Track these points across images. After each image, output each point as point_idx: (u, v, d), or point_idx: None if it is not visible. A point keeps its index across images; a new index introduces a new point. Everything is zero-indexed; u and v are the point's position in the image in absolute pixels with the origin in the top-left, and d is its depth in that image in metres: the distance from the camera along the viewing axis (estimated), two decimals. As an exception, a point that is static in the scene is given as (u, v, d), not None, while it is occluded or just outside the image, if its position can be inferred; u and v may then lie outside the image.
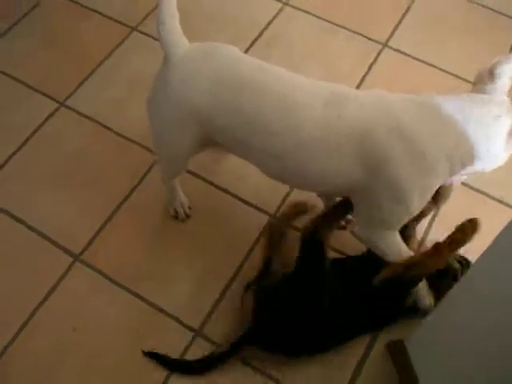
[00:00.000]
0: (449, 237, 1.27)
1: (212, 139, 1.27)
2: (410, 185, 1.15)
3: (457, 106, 1.14)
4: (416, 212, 1.22)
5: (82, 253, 1.52)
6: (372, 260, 1.35)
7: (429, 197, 1.20)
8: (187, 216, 1.58)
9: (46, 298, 1.45)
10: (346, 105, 1.16)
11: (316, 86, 1.21)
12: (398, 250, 1.29)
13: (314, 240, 1.32)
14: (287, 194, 1.62)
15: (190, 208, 1.59)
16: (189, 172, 1.64)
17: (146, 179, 1.65)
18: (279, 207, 1.60)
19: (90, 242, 1.54)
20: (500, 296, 0.98)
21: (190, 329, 1.42)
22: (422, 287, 1.35)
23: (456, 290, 1.12)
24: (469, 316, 1.08)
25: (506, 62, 1.13)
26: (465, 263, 1.40)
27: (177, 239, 1.56)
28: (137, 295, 1.46)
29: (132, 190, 1.63)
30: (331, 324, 1.33)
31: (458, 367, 1.17)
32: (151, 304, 1.45)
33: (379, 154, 1.14)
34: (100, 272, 1.49)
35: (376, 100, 1.18)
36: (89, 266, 1.51)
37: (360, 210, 1.27)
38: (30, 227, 1.56)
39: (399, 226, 1.27)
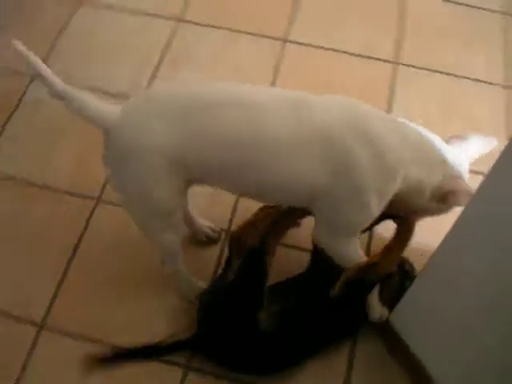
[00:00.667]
0: (395, 236, 1.34)
1: (190, 179, 1.22)
2: (372, 189, 1.18)
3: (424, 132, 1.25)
4: (375, 216, 1.24)
5: (44, 320, 1.45)
6: (317, 273, 1.39)
7: (387, 201, 1.22)
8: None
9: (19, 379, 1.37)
10: (311, 110, 1.17)
11: (277, 93, 1.22)
12: (356, 256, 1.31)
13: (259, 250, 1.33)
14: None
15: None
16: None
17: (89, 228, 1.59)
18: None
19: (50, 307, 1.47)
20: (482, 253, 1.04)
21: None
22: (373, 299, 1.37)
23: (439, 255, 1.16)
24: (452, 274, 1.14)
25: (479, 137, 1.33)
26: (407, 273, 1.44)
27: (137, 280, 1.52)
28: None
29: (78, 241, 1.56)
30: (272, 345, 1.33)
31: (445, 327, 1.23)
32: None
33: (345, 159, 1.15)
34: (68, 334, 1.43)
35: (341, 105, 1.20)
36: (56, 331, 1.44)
37: (321, 217, 1.26)
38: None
39: (359, 232, 1.29)
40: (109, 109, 1.17)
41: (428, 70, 1.96)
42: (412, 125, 1.25)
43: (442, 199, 1.24)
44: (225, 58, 1.95)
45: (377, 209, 1.21)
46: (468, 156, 1.31)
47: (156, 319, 1.46)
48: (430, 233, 1.30)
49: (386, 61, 1.98)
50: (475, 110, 1.87)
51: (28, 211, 1.62)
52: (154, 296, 1.49)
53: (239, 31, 2.01)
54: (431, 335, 1.30)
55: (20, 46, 1.11)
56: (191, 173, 1.19)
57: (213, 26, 2.02)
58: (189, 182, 1.24)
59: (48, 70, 1.12)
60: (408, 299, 1.31)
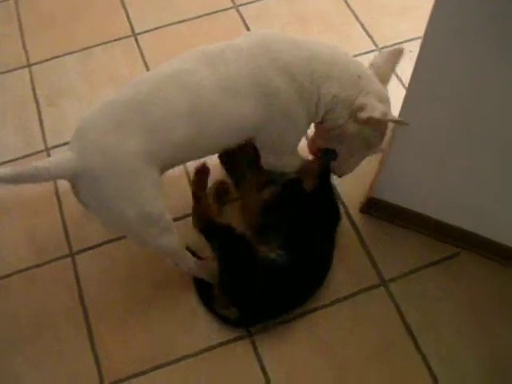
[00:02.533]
0: None
1: (162, 168, 1.27)
2: (298, 108, 1.32)
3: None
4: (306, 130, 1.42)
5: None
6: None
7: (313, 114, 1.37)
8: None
9: None
10: (224, 56, 1.27)
11: (185, 56, 1.30)
12: (302, 160, 1.50)
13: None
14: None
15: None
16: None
17: (82, 280, 1.57)
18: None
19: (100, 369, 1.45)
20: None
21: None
22: None
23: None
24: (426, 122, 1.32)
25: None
26: None
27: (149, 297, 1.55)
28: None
29: (81, 299, 1.54)
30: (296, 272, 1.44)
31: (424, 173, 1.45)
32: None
33: (270, 92, 1.27)
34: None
35: (249, 47, 1.30)
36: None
37: (265, 147, 1.40)
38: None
39: (297, 147, 1.45)
40: (61, 157, 1.18)
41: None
42: (326, 45, 1.36)
43: (354, 116, 1.33)
44: (93, 75, 1.96)
45: (305, 125, 1.38)
46: (384, 75, 1.41)
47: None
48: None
49: (226, 9, 2.12)
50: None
51: (9, 305, 1.55)
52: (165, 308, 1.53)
53: (89, 47, 2.02)
54: (416, 186, 1.51)
55: None
56: (162, 161, 1.25)
57: (62, 55, 2.00)
58: (161, 173, 1.29)
59: None
60: (386, 170, 1.51)
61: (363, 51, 1.98)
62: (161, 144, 1.22)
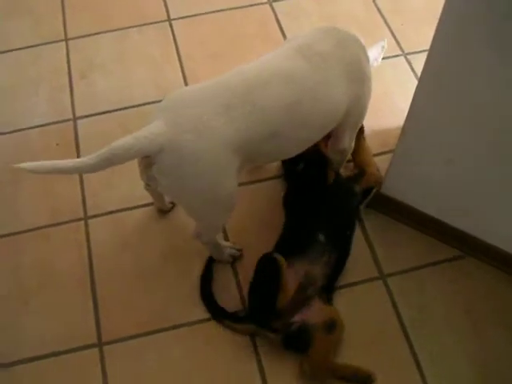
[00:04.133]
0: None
1: (245, 163, 1.29)
2: (370, 73, 1.46)
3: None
4: None
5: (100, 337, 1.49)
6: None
7: None
8: (240, 250, 1.58)
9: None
10: (315, 49, 1.34)
11: (279, 53, 1.35)
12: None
13: None
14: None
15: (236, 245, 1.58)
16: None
17: (92, 243, 1.63)
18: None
19: (99, 326, 1.51)
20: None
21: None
22: None
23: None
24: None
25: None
26: None
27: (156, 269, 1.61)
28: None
29: (90, 261, 1.61)
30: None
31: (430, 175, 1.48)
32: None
33: (356, 67, 1.40)
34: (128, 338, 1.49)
35: (327, 34, 1.40)
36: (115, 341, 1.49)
37: (346, 127, 1.48)
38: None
39: None
40: (150, 131, 1.17)
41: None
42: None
43: None
44: (126, 54, 2.04)
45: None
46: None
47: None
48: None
49: (261, 3, 2.18)
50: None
51: (21, 261, 1.62)
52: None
53: (125, 27, 2.10)
54: (422, 185, 1.53)
55: (31, 167, 1.13)
56: (250, 154, 1.27)
57: (99, 33, 2.09)
58: (242, 166, 1.29)
59: (68, 162, 1.14)
60: (394, 167, 1.54)
61: (389, 55, 2.02)
62: (260, 135, 1.24)
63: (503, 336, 1.47)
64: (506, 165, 1.31)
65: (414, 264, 1.58)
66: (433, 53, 1.20)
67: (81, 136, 1.83)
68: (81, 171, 1.17)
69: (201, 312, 1.51)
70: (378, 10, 2.14)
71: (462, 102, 1.25)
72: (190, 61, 2.02)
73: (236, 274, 1.57)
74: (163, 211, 1.66)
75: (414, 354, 1.45)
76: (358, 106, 1.44)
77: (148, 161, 1.21)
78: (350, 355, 1.44)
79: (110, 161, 1.13)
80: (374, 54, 1.62)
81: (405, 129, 1.42)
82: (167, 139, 1.16)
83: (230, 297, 1.53)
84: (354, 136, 1.56)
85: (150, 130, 1.17)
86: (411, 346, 1.46)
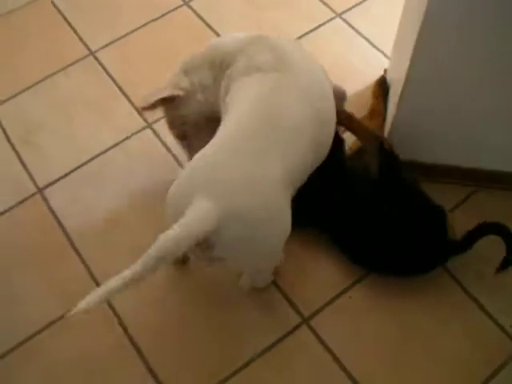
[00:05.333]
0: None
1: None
2: None
3: None
4: None
5: None
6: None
7: None
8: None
9: None
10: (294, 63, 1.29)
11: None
12: None
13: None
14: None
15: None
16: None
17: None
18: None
19: None
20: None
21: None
22: None
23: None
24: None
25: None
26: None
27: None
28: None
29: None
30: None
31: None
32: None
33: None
34: None
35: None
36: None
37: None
38: None
39: None
40: (195, 213, 1.04)
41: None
42: None
43: None
44: (63, 104, 1.86)
45: None
46: None
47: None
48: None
49: (178, 7, 2.06)
50: None
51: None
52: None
53: (48, 75, 1.91)
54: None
55: (83, 305, 1.01)
56: (296, 182, 1.22)
57: (23, 91, 1.88)
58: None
59: (117, 280, 1.02)
60: (395, 129, 1.52)
61: (325, 21, 2.00)
62: (300, 155, 1.19)
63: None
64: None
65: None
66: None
67: (55, 205, 1.66)
68: (135, 282, 1.02)
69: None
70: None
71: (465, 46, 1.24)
72: (132, 86, 1.88)
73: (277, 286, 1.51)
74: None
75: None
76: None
77: (204, 245, 1.08)
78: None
79: (164, 259, 1.01)
80: None
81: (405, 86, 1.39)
82: (220, 212, 1.04)
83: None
84: None
85: (196, 213, 1.04)
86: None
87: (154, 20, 2.03)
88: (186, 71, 1.41)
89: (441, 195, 1.53)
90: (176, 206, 1.09)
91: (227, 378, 1.40)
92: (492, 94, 1.35)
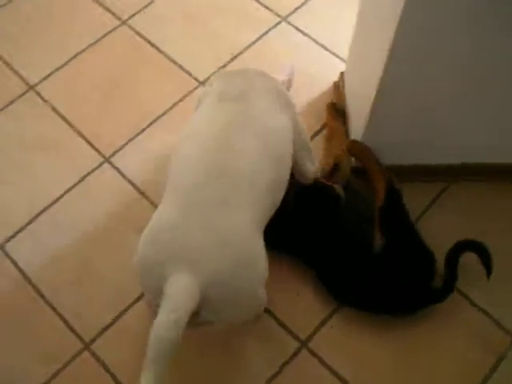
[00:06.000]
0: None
1: None
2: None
3: None
4: None
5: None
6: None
7: None
8: None
9: None
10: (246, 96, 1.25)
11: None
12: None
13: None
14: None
15: None
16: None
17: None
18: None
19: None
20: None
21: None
22: None
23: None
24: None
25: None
26: None
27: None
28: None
29: None
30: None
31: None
32: None
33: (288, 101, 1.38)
34: None
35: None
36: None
37: (302, 152, 1.39)
38: None
39: None
40: (176, 291, 1.01)
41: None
42: None
43: None
44: (7, 147, 1.73)
45: None
46: None
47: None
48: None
49: (116, 27, 1.95)
50: None
51: None
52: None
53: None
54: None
55: None
56: (265, 219, 1.20)
57: None
58: None
59: None
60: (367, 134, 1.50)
61: (272, 26, 1.95)
62: (262, 195, 1.14)
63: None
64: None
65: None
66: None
67: (19, 259, 1.55)
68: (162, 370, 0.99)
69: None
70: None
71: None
72: (83, 122, 1.76)
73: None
74: None
75: None
76: (298, 127, 1.37)
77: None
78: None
79: (166, 349, 0.98)
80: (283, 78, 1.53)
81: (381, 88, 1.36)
82: (201, 283, 1.01)
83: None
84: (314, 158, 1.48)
85: (177, 293, 1.00)
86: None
87: (92, 44, 1.91)
88: None
89: (418, 191, 1.57)
90: (148, 275, 1.08)
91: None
92: (465, 92, 1.35)
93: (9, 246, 1.56)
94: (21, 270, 1.53)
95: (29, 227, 1.59)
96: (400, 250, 1.43)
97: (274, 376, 1.39)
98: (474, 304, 1.47)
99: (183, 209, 1.07)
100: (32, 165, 1.69)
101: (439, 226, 1.55)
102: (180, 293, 1.00)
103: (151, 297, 1.10)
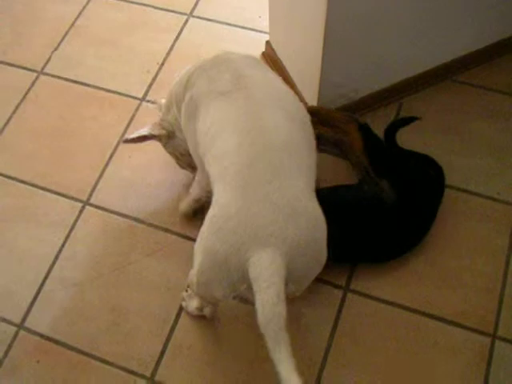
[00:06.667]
0: None
1: None
2: None
3: None
4: None
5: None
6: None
7: None
8: None
9: None
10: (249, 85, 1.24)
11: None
12: None
13: None
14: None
15: None
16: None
17: None
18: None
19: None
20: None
21: None
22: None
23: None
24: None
25: None
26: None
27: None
28: None
29: None
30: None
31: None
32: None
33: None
34: None
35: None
36: None
37: None
38: None
39: None
40: (263, 266, 1.02)
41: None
42: None
43: None
44: None
45: None
46: None
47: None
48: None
49: (33, 82, 1.91)
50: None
51: None
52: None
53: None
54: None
55: None
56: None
57: None
58: None
59: None
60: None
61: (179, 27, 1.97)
62: (309, 166, 1.19)
63: None
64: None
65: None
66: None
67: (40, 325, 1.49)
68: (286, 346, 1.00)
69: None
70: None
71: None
72: (45, 178, 1.70)
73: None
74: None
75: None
76: None
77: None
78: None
79: (282, 329, 1.00)
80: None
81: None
82: (284, 257, 1.04)
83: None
84: None
85: (268, 269, 1.02)
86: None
87: (20, 104, 1.85)
88: (167, 108, 1.42)
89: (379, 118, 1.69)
90: (223, 268, 1.07)
91: None
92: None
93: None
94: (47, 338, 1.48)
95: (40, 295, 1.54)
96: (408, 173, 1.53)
97: (334, 327, 1.44)
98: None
99: (238, 193, 1.08)
100: (13, 239, 1.63)
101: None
102: (269, 268, 1.01)
103: (227, 291, 1.10)
